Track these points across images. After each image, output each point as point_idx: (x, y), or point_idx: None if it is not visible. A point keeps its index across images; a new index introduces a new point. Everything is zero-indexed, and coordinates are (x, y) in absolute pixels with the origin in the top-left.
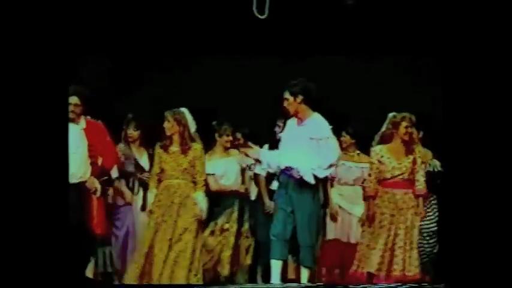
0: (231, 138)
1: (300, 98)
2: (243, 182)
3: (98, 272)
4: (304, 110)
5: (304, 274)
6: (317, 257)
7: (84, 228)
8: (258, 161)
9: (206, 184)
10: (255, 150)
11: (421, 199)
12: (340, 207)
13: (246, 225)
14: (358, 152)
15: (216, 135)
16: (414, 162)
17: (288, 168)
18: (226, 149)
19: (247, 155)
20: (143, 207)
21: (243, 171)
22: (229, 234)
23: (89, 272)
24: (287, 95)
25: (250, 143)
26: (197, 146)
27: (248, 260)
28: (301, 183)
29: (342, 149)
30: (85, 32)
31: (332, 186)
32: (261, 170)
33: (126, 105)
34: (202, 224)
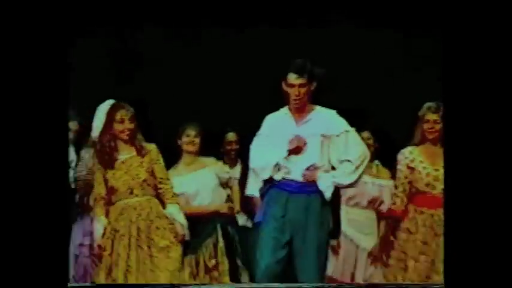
0: (194, 139)
1: (314, 84)
2: (227, 199)
3: None
4: (307, 103)
5: None
6: None
7: None
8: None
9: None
10: None
11: None
12: (345, 235)
13: (239, 256)
14: (377, 162)
15: (179, 141)
16: None
17: (286, 182)
18: (195, 155)
19: None
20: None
21: (223, 185)
22: (222, 274)
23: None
24: (302, 79)
25: None
26: (151, 147)
27: None
28: (308, 201)
29: None
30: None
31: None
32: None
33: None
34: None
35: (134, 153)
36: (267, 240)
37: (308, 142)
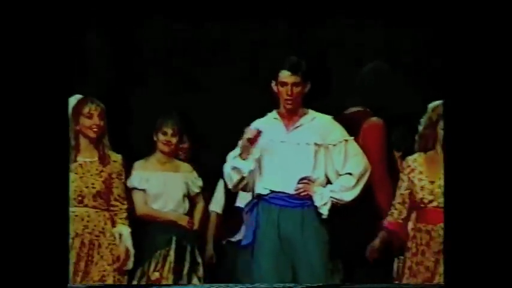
0: (170, 139)
1: (308, 86)
2: (188, 213)
3: None
4: (300, 106)
5: None
6: None
7: None
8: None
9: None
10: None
11: None
12: None
13: (185, 277)
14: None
15: (154, 137)
16: None
17: (275, 195)
18: (169, 157)
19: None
20: None
21: (190, 197)
22: None
23: None
24: (296, 77)
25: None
26: (116, 157)
27: None
28: (303, 215)
29: None
30: None
31: None
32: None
33: None
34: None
35: (96, 158)
36: (267, 265)
37: (299, 151)
